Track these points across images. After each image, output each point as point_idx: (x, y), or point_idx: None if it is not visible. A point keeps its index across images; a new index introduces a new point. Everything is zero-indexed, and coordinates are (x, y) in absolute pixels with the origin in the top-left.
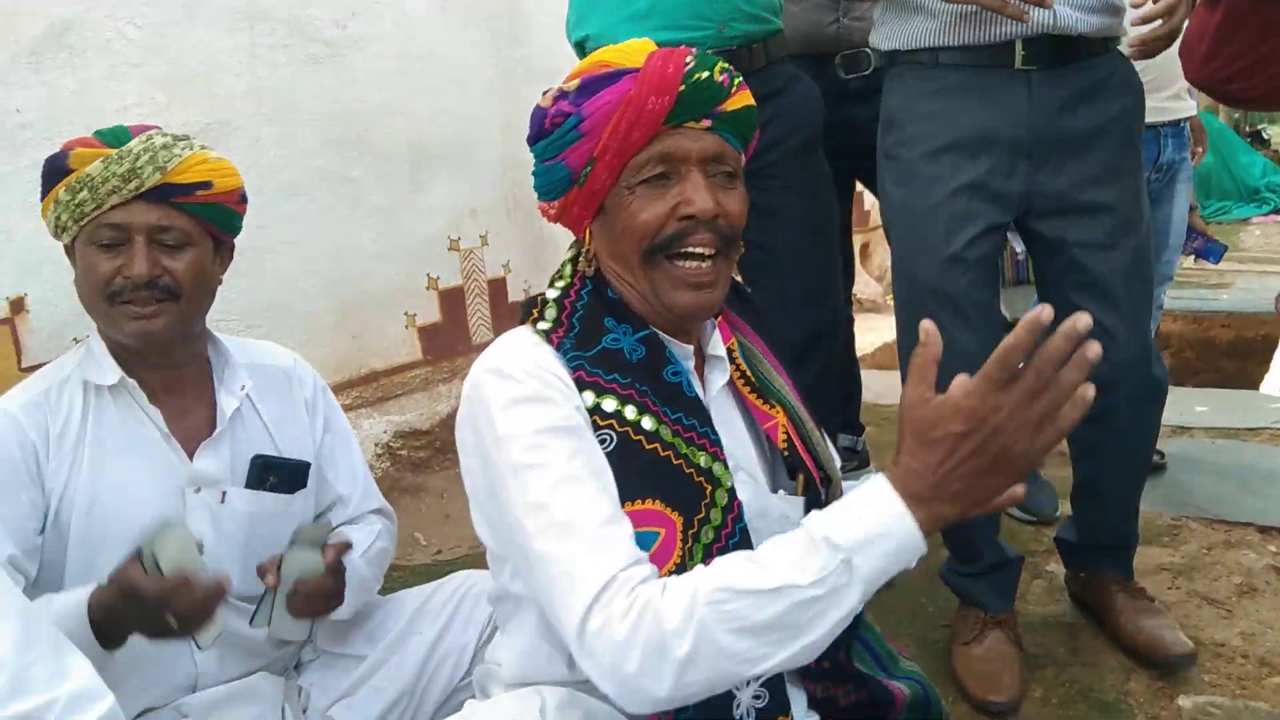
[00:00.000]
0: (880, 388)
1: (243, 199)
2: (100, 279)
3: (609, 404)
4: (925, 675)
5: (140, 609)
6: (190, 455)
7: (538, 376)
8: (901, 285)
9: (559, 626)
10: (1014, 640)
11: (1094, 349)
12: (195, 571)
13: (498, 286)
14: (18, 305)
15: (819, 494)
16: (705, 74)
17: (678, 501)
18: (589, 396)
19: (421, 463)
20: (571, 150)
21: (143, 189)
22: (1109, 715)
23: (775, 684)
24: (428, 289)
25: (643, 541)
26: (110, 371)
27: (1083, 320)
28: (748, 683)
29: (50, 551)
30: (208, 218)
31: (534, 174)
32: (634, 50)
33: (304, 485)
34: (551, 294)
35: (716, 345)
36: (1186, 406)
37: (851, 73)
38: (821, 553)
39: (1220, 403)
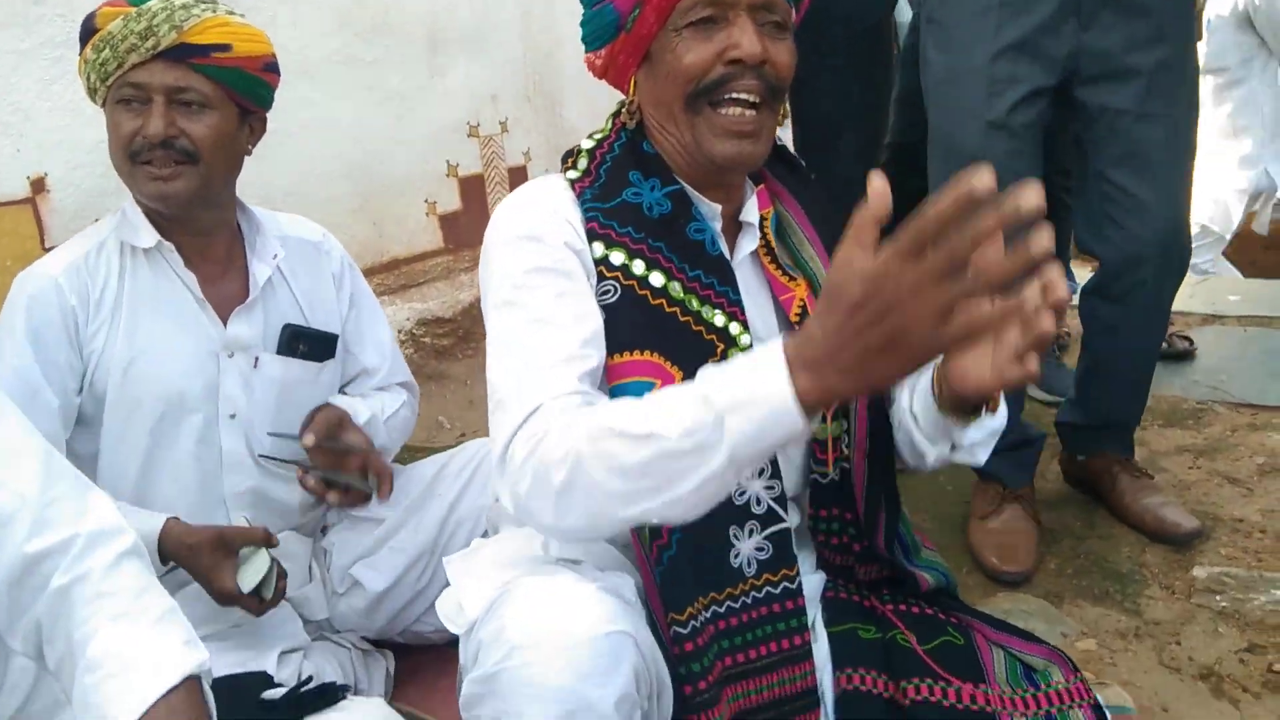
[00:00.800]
0: None
1: (269, 68)
2: (122, 138)
3: (617, 257)
4: (944, 564)
5: (222, 602)
6: (224, 321)
7: (547, 216)
8: (938, 156)
9: (492, 452)
10: (1031, 515)
11: (1041, 240)
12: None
13: (518, 175)
14: (39, 185)
15: None
16: None
17: (680, 355)
18: (599, 248)
19: (445, 350)
20: None
21: (159, 48)
22: (1123, 584)
23: (781, 538)
24: (447, 176)
25: (636, 391)
26: (146, 234)
27: (1031, 197)
28: (750, 533)
29: (87, 413)
30: (228, 83)
31: (582, 23)
32: None
33: (332, 355)
34: (587, 144)
35: (749, 211)
36: (1219, 295)
37: None
38: (697, 408)
39: (1253, 291)
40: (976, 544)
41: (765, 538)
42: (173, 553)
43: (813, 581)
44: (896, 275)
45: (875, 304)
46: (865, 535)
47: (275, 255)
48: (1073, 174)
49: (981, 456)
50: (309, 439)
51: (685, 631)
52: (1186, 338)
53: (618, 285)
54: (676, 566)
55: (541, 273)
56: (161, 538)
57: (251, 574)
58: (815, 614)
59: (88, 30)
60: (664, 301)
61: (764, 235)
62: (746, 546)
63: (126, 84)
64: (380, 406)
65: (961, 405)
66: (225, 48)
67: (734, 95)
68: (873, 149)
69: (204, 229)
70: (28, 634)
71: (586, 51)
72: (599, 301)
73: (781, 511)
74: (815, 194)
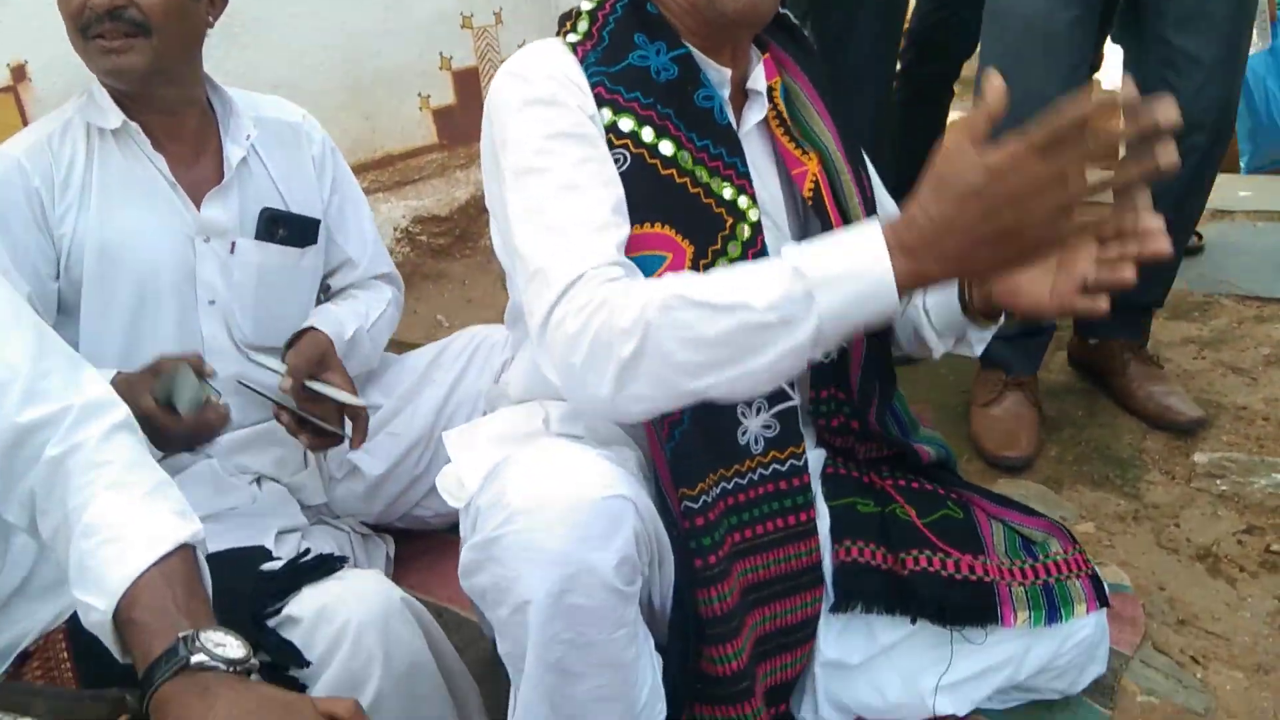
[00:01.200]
0: None
1: None
2: (72, 10)
3: (625, 123)
4: (943, 439)
5: (154, 436)
6: (198, 205)
7: (557, 80)
8: (993, 27)
9: (530, 324)
10: (1033, 402)
11: (1170, 154)
12: (211, 415)
13: None
14: (19, 73)
15: None
16: None
17: (691, 229)
18: (606, 113)
19: (442, 249)
20: None
21: None
22: (1124, 469)
23: (787, 416)
24: (440, 69)
25: (647, 265)
26: (112, 115)
27: (1170, 113)
28: (757, 411)
29: (67, 300)
30: None
31: None
32: None
33: (314, 241)
34: (586, 5)
35: (758, 79)
36: (1229, 191)
37: None
38: (786, 279)
39: (1264, 188)
40: (977, 430)
41: (772, 415)
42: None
43: (814, 458)
44: (1024, 169)
45: (996, 195)
46: (860, 414)
47: (248, 136)
48: (1126, 42)
49: (979, 350)
50: (286, 383)
51: (696, 506)
52: (1196, 233)
53: (627, 154)
54: (688, 442)
55: (563, 138)
56: (111, 382)
57: (162, 386)
58: (816, 490)
59: None
60: (674, 172)
61: (774, 105)
62: (754, 424)
63: None
64: (365, 313)
65: (990, 311)
66: None
67: None
68: (892, 37)
69: (169, 107)
70: (22, 504)
71: None
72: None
73: (788, 389)
74: (818, 68)
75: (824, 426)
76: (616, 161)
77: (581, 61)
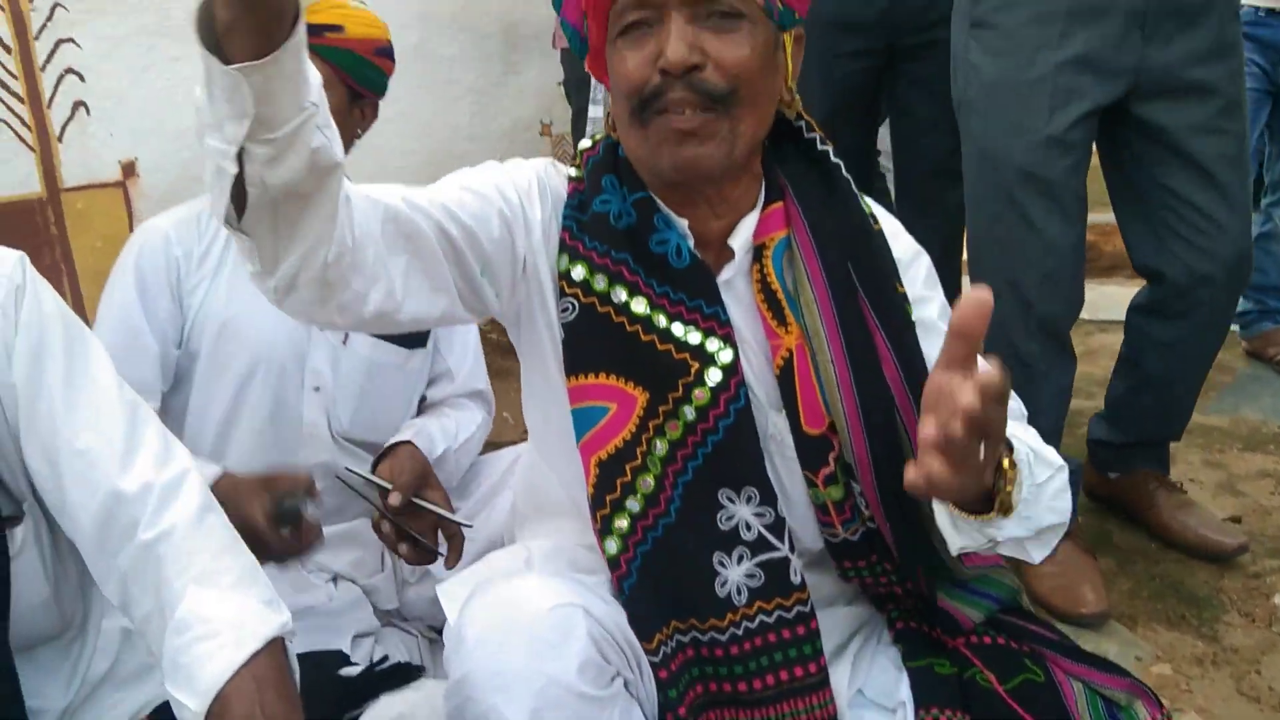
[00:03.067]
0: None
1: (382, 53)
2: None
3: (578, 271)
4: (1009, 581)
5: (254, 547)
6: None
7: (522, 179)
8: (984, 170)
9: None
10: (1086, 549)
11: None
12: (312, 536)
13: None
14: (129, 169)
15: (813, 438)
16: None
17: (644, 377)
18: (564, 260)
19: (510, 347)
20: (568, 6)
21: None
22: (1200, 608)
23: (775, 566)
24: None
25: (589, 415)
26: None
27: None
28: (738, 560)
29: (182, 369)
30: (339, 63)
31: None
32: None
33: (423, 345)
34: (585, 143)
35: (742, 233)
36: None
37: None
38: None
39: None
40: (1040, 592)
41: (756, 565)
42: (222, 494)
43: (848, 613)
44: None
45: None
46: (906, 578)
47: None
48: (1114, 186)
49: (1037, 555)
50: (396, 498)
51: (657, 659)
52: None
53: (576, 302)
54: (638, 596)
55: (468, 179)
56: (218, 480)
57: (276, 506)
58: (850, 641)
59: None
60: (625, 320)
61: (762, 266)
62: (735, 574)
63: None
64: (455, 434)
65: (964, 499)
66: (338, 28)
67: (671, 112)
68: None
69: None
70: (118, 583)
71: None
72: (560, 319)
73: (774, 539)
74: (850, 208)
75: (863, 585)
76: (565, 310)
77: (569, 198)
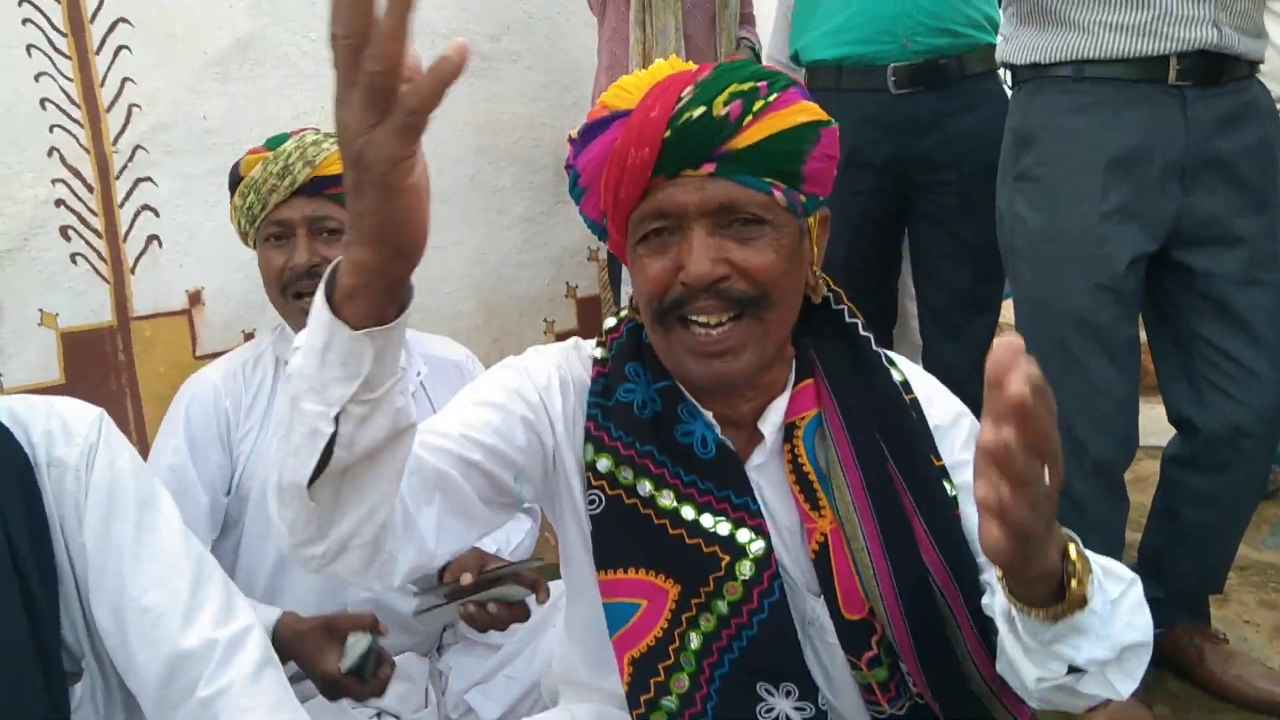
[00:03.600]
0: None
1: None
2: (273, 274)
3: (604, 463)
4: None
5: (328, 691)
6: None
7: (545, 375)
8: (1036, 317)
9: None
10: (1143, 700)
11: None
12: (384, 675)
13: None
14: (195, 298)
15: (854, 623)
16: (700, 110)
17: (675, 570)
18: (589, 450)
19: None
20: (585, 203)
21: (296, 184)
22: None
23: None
24: (566, 297)
25: (621, 612)
26: None
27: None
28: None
29: (232, 514)
30: None
31: None
32: (634, 87)
33: None
34: (609, 323)
35: (772, 416)
36: None
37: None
38: None
39: None
40: None
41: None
42: (285, 641)
43: None
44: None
45: None
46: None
47: (419, 373)
48: (1153, 333)
49: (1124, 686)
50: (466, 578)
51: None
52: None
53: (603, 495)
54: None
55: (482, 395)
56: (277, 628)
57: (351, 654)
58: None
59: (234, 179)
60: (653, 513)
61: (793, 447)
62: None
63: (271, 222)
64: (505, 538)
65: (1032, 589)
66: None
67: (695, 323)
68: (990, 277)
69: None
70: None
71: None
72: (588, 510)
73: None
74: (877, 384)
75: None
76: (593, 503)
77: (592, 384)
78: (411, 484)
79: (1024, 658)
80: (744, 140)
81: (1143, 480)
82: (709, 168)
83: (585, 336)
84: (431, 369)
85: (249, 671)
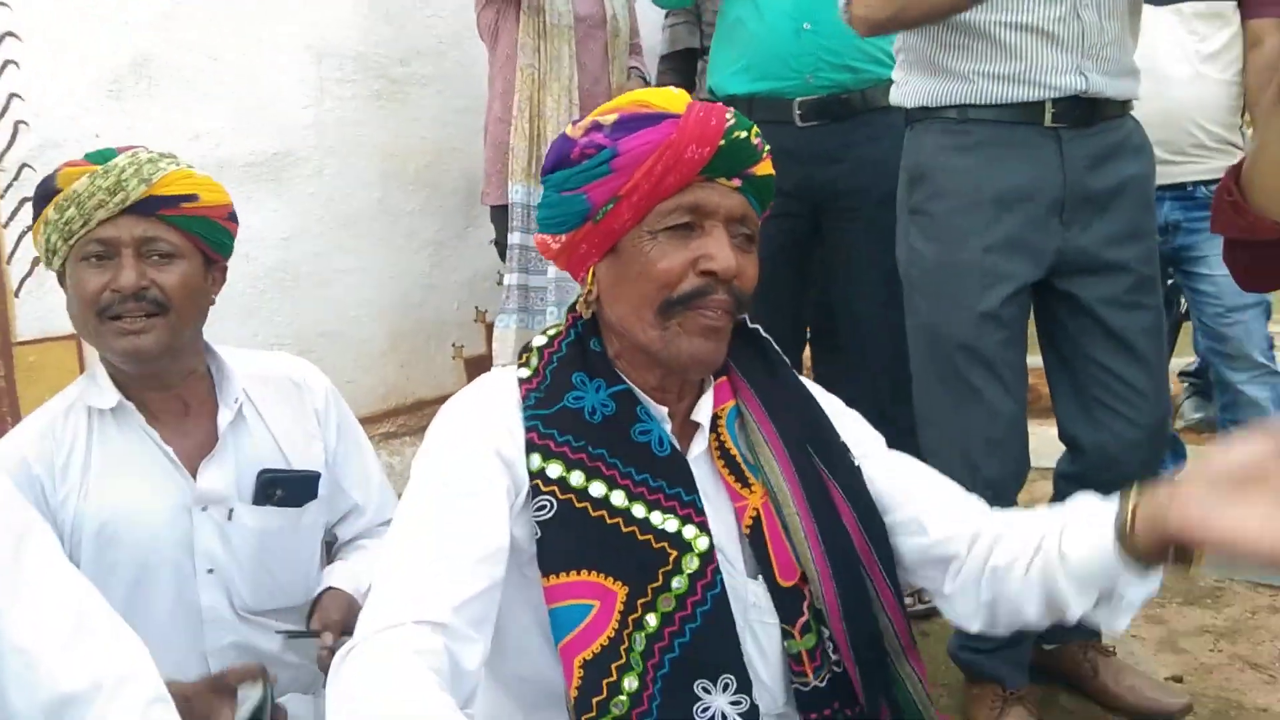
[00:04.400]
0: None
1: (231, 217)
2: (90, 295)
3: (554, 469)
4: None
5: None
6: (194, 474)
7: (483, 427)
8: (929, 343)
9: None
10: (1035, 715)
11: None
12: None
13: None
14: None
15: (788, 589)
16: (743, 134)
17: (624, 570)
18: (536, 460)
19: None
20: (598, 184)
21: (128, 202)
22: None
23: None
24: (475, 321)
25: (572, 614)
26: (109, 394)
27: None
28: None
29: None
30: (196, 231)
31: (543, 205)
32: (675, 97)
33: (314, 496)
34: (539, 340)
35: (703, 408)
36: None
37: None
38: None
39: None
40: None
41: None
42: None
43: None
44: None
45: None
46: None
47: (236, 399)
48: (1046, 358)
49: (1126, 618)
50: (328, 639)
51: None
52: None
53: (553, 500)
54: None
55: (453, 491)
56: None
57: (244, 708)
58: None
59: (47, 192)
60: (605, 513)
61: (718, 434)
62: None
63: (93, 240)
64: (374, 569)
65: (1160, 551)
66: (193, 197)
67: (704, 310)
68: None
69: (169, 382)
70: None
71: (541, 234)
72: (535, 517)
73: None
74: (785, 377)
75: None
76: (542, 509)
77: (524, 400)
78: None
79: (1073, 594)
80: (760, 170)
81: (1038, 500)
82: (736, 182)
83: (493, 361)
84: (264, 390)
85: (137, 712)
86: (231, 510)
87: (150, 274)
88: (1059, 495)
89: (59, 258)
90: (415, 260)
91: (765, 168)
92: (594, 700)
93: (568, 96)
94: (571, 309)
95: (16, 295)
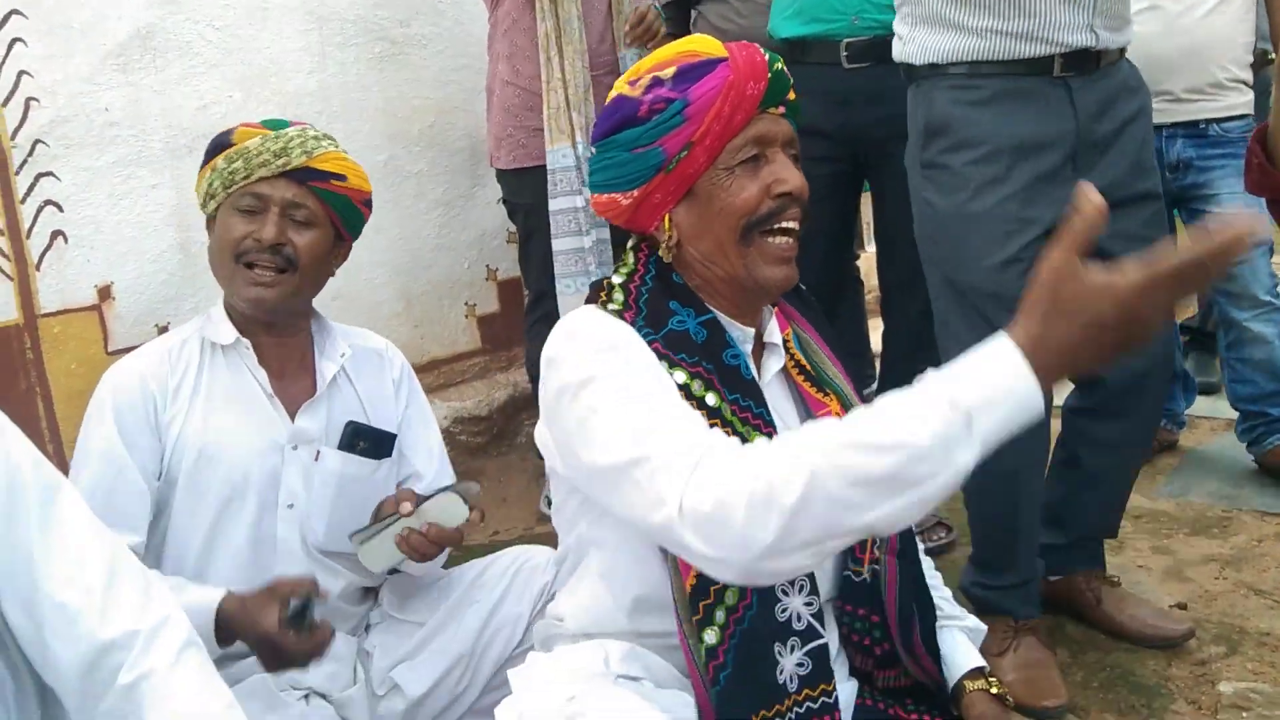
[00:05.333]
0: None
1: (367, 203)
2: (233, 240)
3: (679, 376)
4: None
5: (270, 656)
6: (292, 416)
7: (616, 336)
8: (950, 293)
9: (655, 524)
10: (1046, 644)
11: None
12: (324, 635)
13: None
14: (105, 293)
15: None
16: (780, 65)
17: None
18: (664, 367)
19: (479, 448)
20: (672, 135)
21: (289, 166)
22: (1149, 698)
23: (819, 653)
24: (487, 280)
25: None
26: (227, 332)
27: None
28: (791, 649)
29: (161, 498)
30: (336, 207)
31: (609, 166)
32: (712, 42)
33: (389, 454)
34: (617, 279)
35: (773, 332)
36: None
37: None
38: (943, 409)
39: None
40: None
41: (805, 653)
42: (229, 611)
43: (846, 690)
44: (1152, 298)
45: (1123, 320)
46: (889, 639)
47: (342, 354)
48: None
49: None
50: (405, 506)
51: None
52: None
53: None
54: (731, 685)
55: (634, 368)
56: (222, 601)
57: (290, 609)
58: None
59: (222, 144)
60: (718, 423)
61: (790, 354)
62: (789, 663)
63: (249, 193)
64: None
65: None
66: (341, 177)
67: (783, 225)
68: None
69: (280, 332)
70: None
71: (608, 194)
72: None
73: (819, 627)
74: (820, 317)
75: (846, 640)
76: None
77: (632, 325)
78: None
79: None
80: (793, 95)
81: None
82: (781, 110)
83: (508, 319)
84: (355, 356)
85: (172, 655)
86: (319, 452)
87: (289, 233)
88: (1069, 430)
89: (214, 202)
90: (425, 221)
91: (794, 92)
92: (711, 588)
93: (581, 59)
94: (635, 250)
95: (38, 269)
